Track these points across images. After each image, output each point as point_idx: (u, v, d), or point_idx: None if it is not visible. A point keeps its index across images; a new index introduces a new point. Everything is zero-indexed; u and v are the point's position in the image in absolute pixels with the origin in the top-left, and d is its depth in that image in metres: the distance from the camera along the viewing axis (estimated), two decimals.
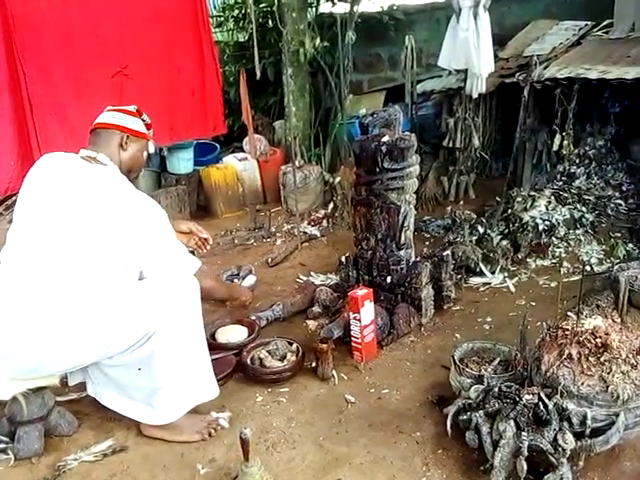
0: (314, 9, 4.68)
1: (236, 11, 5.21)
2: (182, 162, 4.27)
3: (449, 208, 3.77)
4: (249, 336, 2.47)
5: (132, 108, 2.01)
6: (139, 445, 1.94)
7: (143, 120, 2.03)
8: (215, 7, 5.62)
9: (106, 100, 3.68)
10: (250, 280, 3.04)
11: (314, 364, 2.27)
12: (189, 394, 1.93)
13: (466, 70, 3.70)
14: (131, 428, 1.99)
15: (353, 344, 2.35)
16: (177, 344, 1.84)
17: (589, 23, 4.23)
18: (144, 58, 3.74)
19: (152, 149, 2.09)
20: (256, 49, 3.45)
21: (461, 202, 4.06)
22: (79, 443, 1.95)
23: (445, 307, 2.70)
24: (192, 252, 2.75)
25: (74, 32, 3.47)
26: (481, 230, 3.22)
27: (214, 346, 2.30)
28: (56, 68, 3.43)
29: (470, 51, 3.50)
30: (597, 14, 4.18)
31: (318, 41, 4.22)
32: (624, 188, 3.79)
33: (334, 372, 2.25)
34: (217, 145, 4.65)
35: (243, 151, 4.60)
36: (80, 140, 3.52)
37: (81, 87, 3.55)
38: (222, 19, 5.40)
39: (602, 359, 1.68)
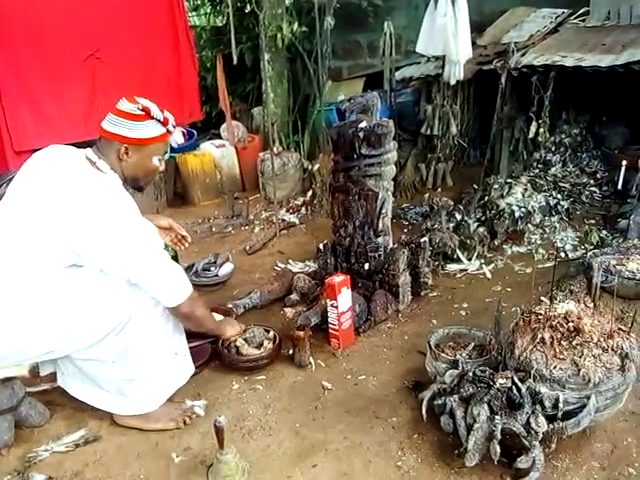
0: None
1: None
2: None
3: (427, 195, 3.78)
4: None
5: (136, 109, 1.73)
6: (113, 435, 1.92)
7: (154, 118, 1.76)
8: None
9: (78, 85, 3.64)
10: (227, 268, 3.01)
11: (291, 351, 2.26)
12: (165, 382, 1.91)
13: (444, 57, 3.70)
14: (105, 418, 1.97)
15: (330, 331, 2.35)
16: (153, 331, 1.82)
17: (566, 11, 4.26)
18: (117, 42, 3.66)
19: (180, 139, 1.87)
20: (233, 34, 3.39)
21: (439, 189, 4.07)
22: (50, 434, 1.92)
23: (422, 294, 2.72)
24: (167, 246, 2.73)
25: (43, 14, 3.38)
26: (458, 217, 3.23)
27: (190, 334, 2.27)
28: (25, 52, 3.34)
29: (448, 37, 3.49)
30: (574, 2, 4.21)
31: (296, 26, 4.17)
32: (599, 176, 3.85)
33: (311, 359, 2.25)
34: (194, 132, 4.57)
35: (221, 138, 4.53)
36: (52, 125, 3.50)
37: (52, 71, 3.46)
38: (198, 2, 5.30)
39: (574, 343, 1.71)
